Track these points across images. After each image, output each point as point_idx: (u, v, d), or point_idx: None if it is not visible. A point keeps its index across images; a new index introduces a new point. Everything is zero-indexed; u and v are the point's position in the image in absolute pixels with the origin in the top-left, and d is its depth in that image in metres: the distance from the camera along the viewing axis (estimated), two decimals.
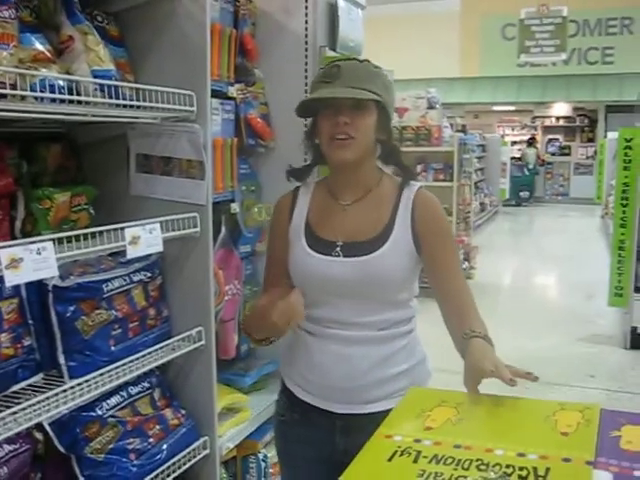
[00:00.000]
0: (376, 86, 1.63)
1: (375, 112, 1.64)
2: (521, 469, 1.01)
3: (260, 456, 2.56)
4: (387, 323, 1.69)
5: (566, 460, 1.03)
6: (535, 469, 1.00)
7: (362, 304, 1.67)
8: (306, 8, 2.60)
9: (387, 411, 1.59)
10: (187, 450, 2.07)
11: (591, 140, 18.87)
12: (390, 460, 1.07)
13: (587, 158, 18.89)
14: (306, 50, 2.61)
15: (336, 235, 1.69)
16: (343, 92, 1.59)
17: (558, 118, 19.63)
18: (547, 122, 19.77)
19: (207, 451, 2.15)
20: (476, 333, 1.54)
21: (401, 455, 1.08)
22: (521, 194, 17.85)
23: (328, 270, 1.66)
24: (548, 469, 1.01)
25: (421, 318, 1.81)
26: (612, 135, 12.93)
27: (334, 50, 2.72)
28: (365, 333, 1.68)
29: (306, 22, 2.61)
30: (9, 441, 1.64)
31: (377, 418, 1.58)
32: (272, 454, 2.61)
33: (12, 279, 1.46)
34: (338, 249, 1.67)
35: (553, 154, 19.39)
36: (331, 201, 1.75)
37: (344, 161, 1.65)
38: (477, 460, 1.04)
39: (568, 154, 19.30)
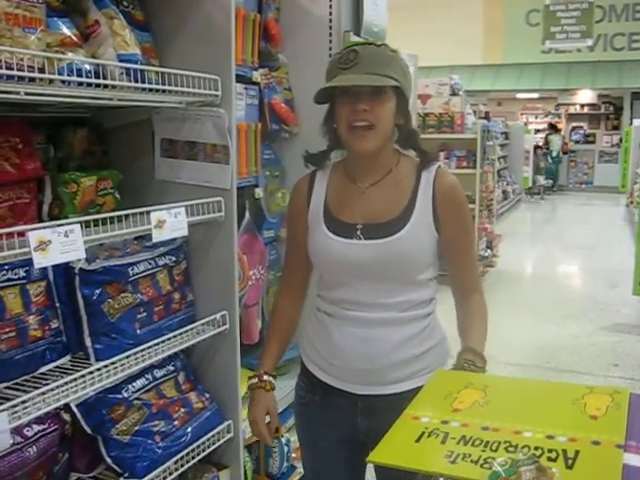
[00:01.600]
0: (394, 71, 1.61)
1: (394, 97, 1.63)
2: (550, 451, 1.00)
3: (283, 440, 2.58)
4: (409, 304, 1.69)
5: (596, 443, 1.02)
6: (564, 451, 1.00)
7: (383, 285, 1.67)
8: None
9: (408, 391, 1.61)
10: (211, 433, 2.08)
11: (616, 128, 18.62)
12: (418, 441, 1.07)
13: (612, 146, 18.65)
14: (330, 35, 2.60)
15: (356, 218, 1.69)
16: (362, 79, 1.58)
17: (582, 105, 19.39)
18: (571, 109, 19.53)
19: (231, 434, 2.17)
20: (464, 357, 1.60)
21: (429, 436, 1.08)
22: (544, 182, 17.65)
23: (349, 253, 1.66)
24: (577, 452, 1.00)
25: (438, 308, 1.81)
26: (638, 122, 12.77)
27: (358, 35, 2.71)
28: (386, 315, 1.67)
29: (330, 7, 2.60)
30: (38, 421, 1.67)
31: (398, 399, 1.60)
32: (295, 438, 2.62)
33: (40, 261, 1.47)
34: (358, 232, 1.66)
35: (577, 142, 19.16)
36: (349, 184, 1.74)
37: (365, 152, 1.65)
38: (505, 442, 1.04)
39: (592, 142, 19.07)
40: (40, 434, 1.68)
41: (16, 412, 1.47)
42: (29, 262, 1.50)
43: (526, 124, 17.49)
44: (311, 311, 1.85)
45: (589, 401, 1.15)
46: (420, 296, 1.71)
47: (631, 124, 14.63)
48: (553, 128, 18.20)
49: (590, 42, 13.62)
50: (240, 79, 2.26)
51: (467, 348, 1.63)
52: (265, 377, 1.83)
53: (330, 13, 2.60)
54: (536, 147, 17.18)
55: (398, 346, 1.68)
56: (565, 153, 18.37)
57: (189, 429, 2.01)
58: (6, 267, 1.62)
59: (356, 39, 2.65)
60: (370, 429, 1.69)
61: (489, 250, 8.06)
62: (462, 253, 1.74)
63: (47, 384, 1.59)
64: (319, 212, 1.74)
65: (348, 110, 1.61)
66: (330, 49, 2.59)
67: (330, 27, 2.60)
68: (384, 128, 1.63)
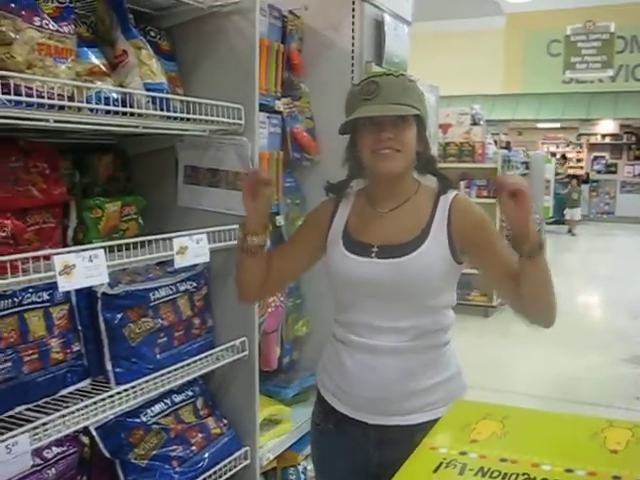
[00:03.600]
0: (413, 100, 1.64)
1: (414, 125, 1.66)
2: None
3: (300, 468, 2.56)
4: (419, 330, 1.68)
5: (616, 478, 1.01)
6: None
7: (395, 307, 1.67)
8: (353, 24, 2.63)
9: (421, 424, 1.60)
10: (228, 459, 2.09)
11: (638, 158, 18.50)
12: (435, 472, 1.06)
13: (634, 176, 18.52)
14: (352, 65, 2.64)
15: (373, 239, 1.71)
16: (387, 109, 1.61)
17: (604, 135, 19.30)
18: (593, 139, 19.45)
19: (248, 461, 2.17)
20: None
21: (446, 467, 1.07)
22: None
23: (363, 271, 1.67)
24: None
25: (455, 337, 1.79)
26: None
27: (380, 65, 2.74)
28: (397, 342, 1.66)
29: (353, 38, 2.64)
30: (57, 444, 1.68)
31: (410, 431, 1.58)
32: (312, 466, 2.61)
33: (65, 285, 1.50)
34: (374, 252, 1.68)
35: (599, 172, 19.04)
36: (369, 209, 1.77)
37: (390, 172, 1.67)
38: (523, 474, 1.02)
39: (614, 172, 18.95)
40: (59, 456, 1.69)
41: (37, 434, 1.49)
42: (53, 285, 1.53)
43: (550, 154, 17.26)
44: (327, 339, 1.85)
45: (609, 435, 1.14)
46: (433, 323, 1.70)
47: None
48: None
49: (611, 72, 13.63)
50: (263, 108, 2.29)
51: None
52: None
53: (352, 44, 2.63)
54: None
55: (408, 376, 1.67)
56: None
57: (206, 455, 2.01)
58: (30, 290, 1.65)
59: (378, 69, 2.68)
60: (382, 460, 1.67)
61: None
62: (500, 254, 1.70)
63: (67, 407, 1.61)
64: (339, 233, 1.77)
65: (372, 139, 1.64)
66: (352, 79, 2.62)
67: (352, 57, 2.64)
68: (408, 152, 1.66)
